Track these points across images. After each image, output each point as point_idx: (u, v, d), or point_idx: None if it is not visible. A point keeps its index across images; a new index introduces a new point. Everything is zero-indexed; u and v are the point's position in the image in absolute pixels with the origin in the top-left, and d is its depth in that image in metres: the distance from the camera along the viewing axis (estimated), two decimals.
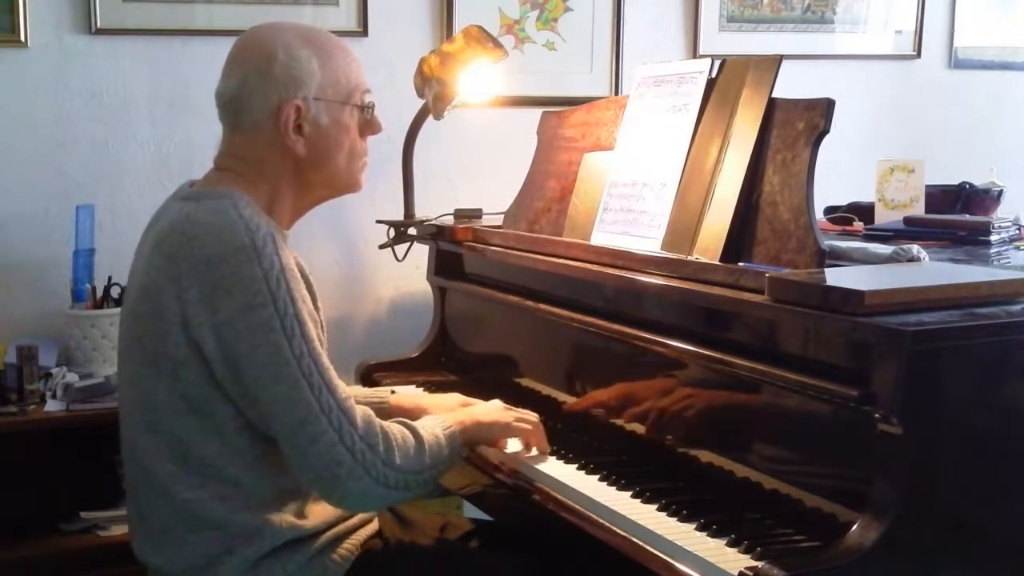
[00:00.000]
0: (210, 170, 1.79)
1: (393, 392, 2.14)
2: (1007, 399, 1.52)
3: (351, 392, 1.85)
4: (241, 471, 1.65)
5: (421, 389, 2.44)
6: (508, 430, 1.94)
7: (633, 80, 2.23)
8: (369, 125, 1.83)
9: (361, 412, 1.64)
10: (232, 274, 1.58)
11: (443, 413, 1.92)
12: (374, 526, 1.83)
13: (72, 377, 2.56)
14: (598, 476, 1.84)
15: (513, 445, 1.98)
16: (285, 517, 1.68)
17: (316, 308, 1.71)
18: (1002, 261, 2.07)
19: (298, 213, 1.83)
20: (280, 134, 1.72)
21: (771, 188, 1.82)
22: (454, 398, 2.07)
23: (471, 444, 1.89)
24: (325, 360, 1.63)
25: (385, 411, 2.00)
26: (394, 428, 1.68)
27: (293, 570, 1.67)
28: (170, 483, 1.65)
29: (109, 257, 2.75)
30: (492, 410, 1.95)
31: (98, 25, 2.79)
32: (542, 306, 2.19)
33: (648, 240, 1.98)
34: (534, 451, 1.96)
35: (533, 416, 1.98)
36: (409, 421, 1.75)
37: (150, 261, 1.67)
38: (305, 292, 1.66)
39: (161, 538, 1.69)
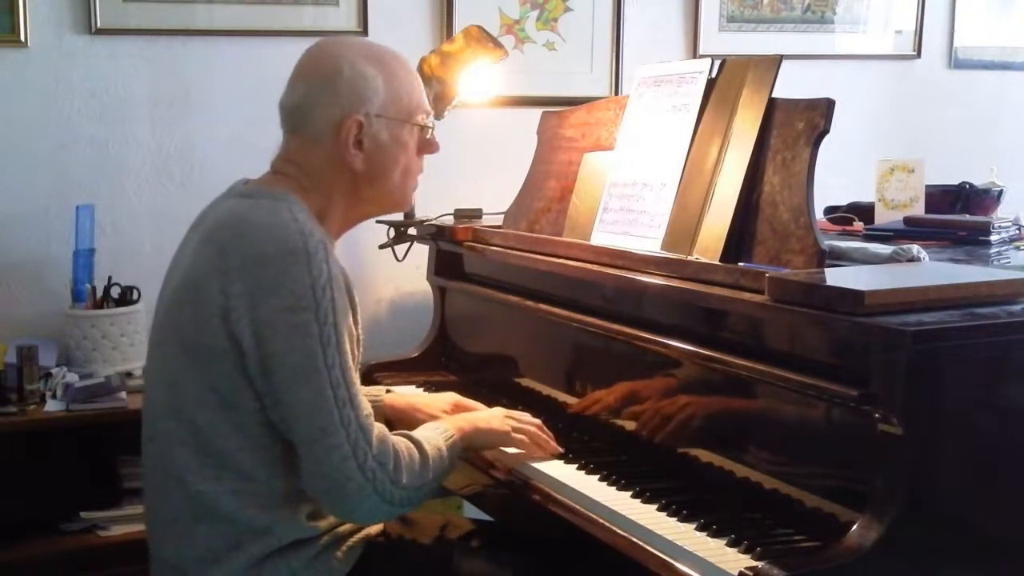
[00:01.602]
0: (266, 172, 1.80)
1: (388, 391, 2.14)
2: (1007, 399, 1.52)
3: None
4: (258, 467, 1.66)
5: (421, 389, 2.44)
6: (506, 439, 1.93)
7: (633, 80, 2.23)
8: (428, 144, 1.86)
9: (378, 430, 1.65)
10: (281, 274, 1.59)
11: (441, 417, 1.93)
12: (377, 526, 1.83)
13: (72, 377, 2.57)
14: (598, 476, 1.84)
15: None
16: (296, 517, 1.68)
17: (355, 322, 1.72)
18: (1002, 261, 2.07)
19: (347, 226, 1.84)
20: (340, 147, 1.74)
21: (771, 188, 1.82)
22: (447, 397, 2.08)
23: (469, 451, 1.89)
24: (354, 375, 1.64)
25: (379, 410, 2.01)
26: (401, 445, 1.69)
27: (297, 567, 1.68)
28: (186, 472, 1.66)
29: (109, 257, 2.75)
30: (491, 417, 1.95)
31: (98, 25, 2.79)
32: (542, 306, 2.19)
33: (648, 240, 1.98)
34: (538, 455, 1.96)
35: (535, 421, 1.98)
36: (413, 435, 1.75)
37: (198, 254, 1.67)
38: (348, 305, 1.67)
39: (171, 527, 1.70)
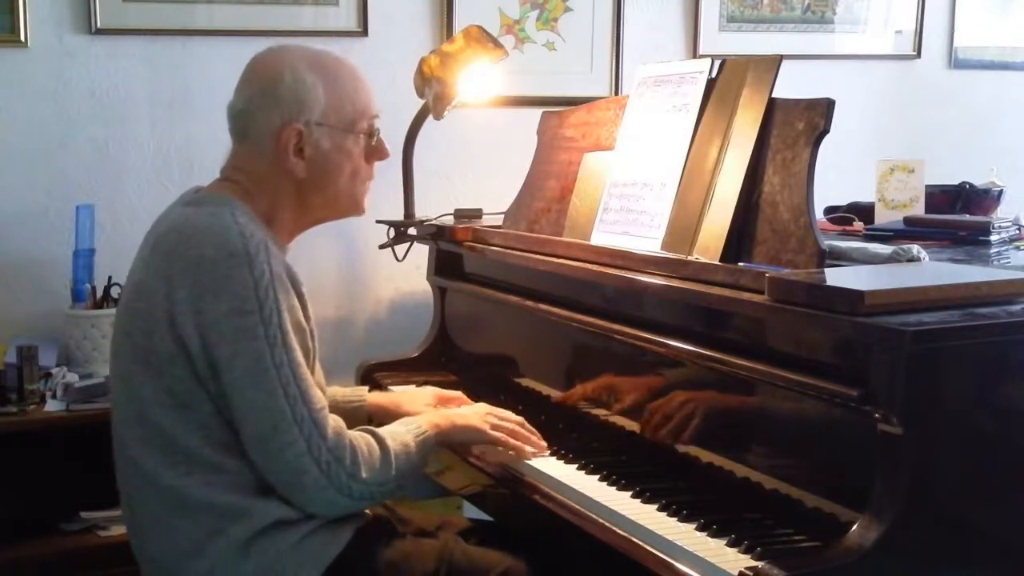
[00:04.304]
0: (216, 179, 1.82)
1: (370, 391, 2.15)
2: (1007, 399, 1.52)
3: (330, 392, 1.86)
4: (226, 460, 1.67)
5: None
6: (483, 436, 1.93)
7: (633, 80, 2.23)
8: (376, 151, 1.85)
9: (333, 424, 1.67)
10: (223, 278, 1.62)
11: (419, 412, 1.94)
12: (367, 513, 1.83)
13: (72, 377, 2.57)
14: (598, 476, 1.84)
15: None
16: (272, 501, 1.69)
17: (307, 317, 1.74)
18: (1002, 261, 2.07)
19: (298, 229, 1.86)
20: (280, 155, 1.75)
21: (771, 188, 1.82)
22: (427, 391, 2.11)
23: (445, 447, 1.90)
24: (304, 371, 1.66)
25: (362, 410, 2.04)
26: (360, 441, 1.70)
27: (285, 549, 1.68)
28: (157, 471, 1.67)
29: (109, 257, 2.75)
30: (471, 414, 1.96)
31: (98, 25, 2.79)
32: (542, 306, 2.19)
33: (648, 240, 1.98)
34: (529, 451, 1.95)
35: (516, 418, 1.97)
36: (377, 431, 1.76)
37: (147, 260, 1.71)
38: (295, 302, 1.69)
39: (151, 527, 1.71)
